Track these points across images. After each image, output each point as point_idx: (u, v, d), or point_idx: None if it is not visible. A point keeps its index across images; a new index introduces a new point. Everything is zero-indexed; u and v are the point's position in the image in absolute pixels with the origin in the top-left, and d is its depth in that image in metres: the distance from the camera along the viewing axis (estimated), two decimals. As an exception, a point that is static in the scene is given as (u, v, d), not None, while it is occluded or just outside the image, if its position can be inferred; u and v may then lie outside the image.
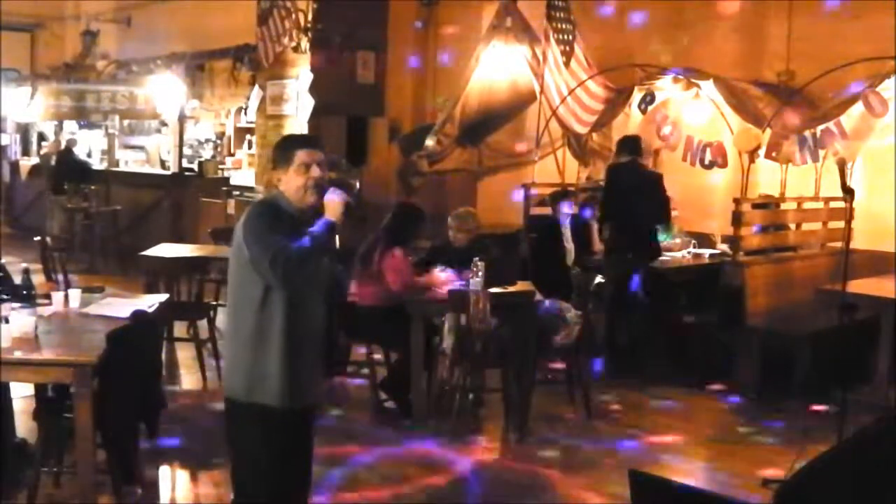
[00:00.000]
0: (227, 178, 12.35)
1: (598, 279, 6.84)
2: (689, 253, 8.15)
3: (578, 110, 8.64)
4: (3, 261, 5.56)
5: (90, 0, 15.71)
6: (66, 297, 5.03)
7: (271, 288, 3.26)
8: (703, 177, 8.74)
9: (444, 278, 6.18)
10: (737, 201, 7.16)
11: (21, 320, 4.37)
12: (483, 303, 5.68)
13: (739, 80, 8.04)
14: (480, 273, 5.77)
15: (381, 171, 10.96)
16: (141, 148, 14.95)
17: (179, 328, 7.41)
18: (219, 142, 13.83)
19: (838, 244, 7.32)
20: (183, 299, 7.12)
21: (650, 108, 8.75)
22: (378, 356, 6.47)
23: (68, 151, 13.97)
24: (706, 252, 8.20)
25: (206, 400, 6.44)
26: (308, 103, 10.52)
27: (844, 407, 5.11)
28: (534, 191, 8.32)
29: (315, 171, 3.33)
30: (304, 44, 10.47)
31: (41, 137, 16.48)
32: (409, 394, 6.17)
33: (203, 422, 5.91)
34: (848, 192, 5.47)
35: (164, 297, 5.74)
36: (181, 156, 13.44)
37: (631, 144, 7.69)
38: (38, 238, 8.17)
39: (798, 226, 8.11)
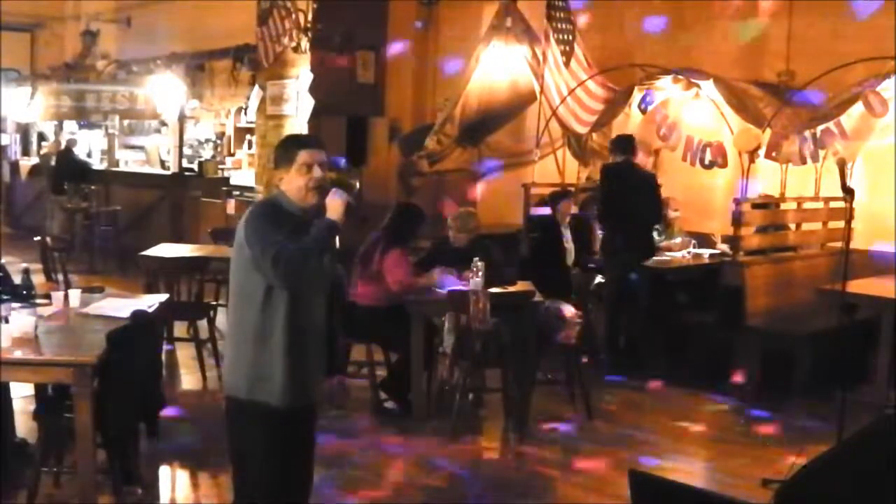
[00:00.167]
0: (227, 178, 12.34)
1: (598, 279, 6.85)
2: (689, 253, 8.14)
3: (578, 110, 8.65)
4: (3, 261, 5.56)
5: (90, 0, 15.70)
6: (66, 297, 5.03)
7: (273, 287, 3.27)
8: (703, 177, 8.75)
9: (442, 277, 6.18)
10: (737, 201, 7.16)
11: (21, 320, 4.37)
12: (483, 303, 5.68)
13: (739, 80, 8.04)
14: (480, 273, 5.77)
15: (381, 171, 10.96)
16: (141, 148, 14.94)
17: (179, 328, 7.42)
18: (219, 142, 13.81)
19: (838, 244, 7.32)
20: (183, 299, 7.11)
21: (650, 108, 8.75)
22: (378, 356, 6.47)
23: (68, 151, 13.96)
24: (706, 252, 8.20)
25: (206, 400, 6.45)
26: (308, 103, 10.51)
27: (844, 407, 5.11)
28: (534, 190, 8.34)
29: (316, 172, 3.34)
30: (304, 44, 10.47)
31: (41, 137, 16.47)
32: (409, 394, 6.17)
33: (203, 422, 5.91)
34: (848, 192, 5.47)
35: (164, 297, 5.74)
36: (181, 156, 13.43)
37: (624, 144, 7.69)
38: (38, 238, 8.18)
39: (798, 226, 8.11)
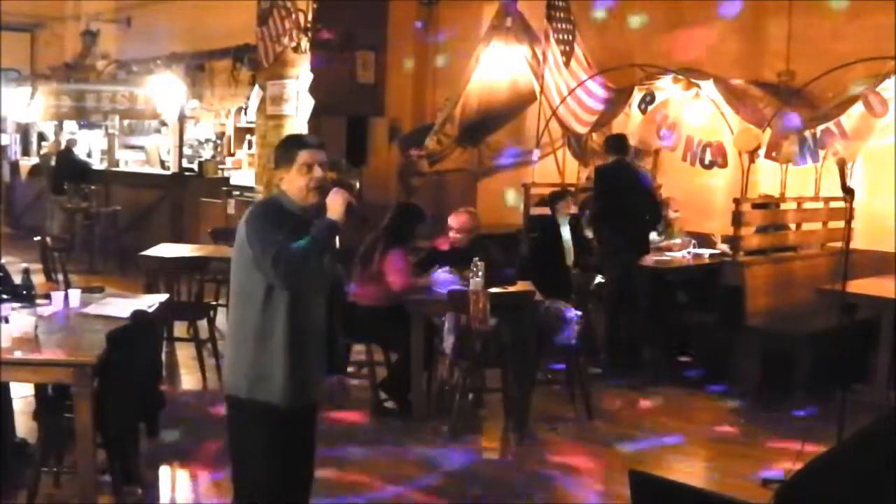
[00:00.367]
0: (227, 178, 12.35)
1: (598, 279, 6.84)
2: (689, 253, 8.13)
3: (578, 110, 8.64)
4: (3, 261, 5.55)
5: (90, 0, 15.71)
6: (66, 297, 5.03)
7: (273, 286, 3.27)
8: (703, 177, 8.74)
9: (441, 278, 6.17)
10: (737, 201, 7.16)
11: (21, 320, 4.37)
12: (483, 303, 5.68)
13: (739, 80, 8.04)
14: (480, 273, 5.77)
15: (381, 171, 10.96)
16: (141, 148, 14.94)
17: (179, 328, 7.42)
18: (219, 142, 13.82)
19: (838, 244, 7.32)
20: (183, 299, 7.11)
21: (650, 108, 8.74)
22: (378, 356, 6.47)
23: (68, 151, 13.97)
24: (706, 252, 8.19)
25: (206, 400, 6.45)
26: (308, 103, 10.52)
27: (844, 407, 5.11)
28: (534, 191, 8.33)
29: (317, 172, 3.34)
30: (304, 44, 10.47)
31: (41, 137, 16.48)
32: (409, 394, 6.17)
33: (203, 422, 5.91)
34: (848, 192, 5.47)
35: (164, 297, 5.74)
36: (181, 156, 13.43)
37: (617, 143, 7.69)
38: (38, 238, 8.17)
39: (798, 226, 8.11)
